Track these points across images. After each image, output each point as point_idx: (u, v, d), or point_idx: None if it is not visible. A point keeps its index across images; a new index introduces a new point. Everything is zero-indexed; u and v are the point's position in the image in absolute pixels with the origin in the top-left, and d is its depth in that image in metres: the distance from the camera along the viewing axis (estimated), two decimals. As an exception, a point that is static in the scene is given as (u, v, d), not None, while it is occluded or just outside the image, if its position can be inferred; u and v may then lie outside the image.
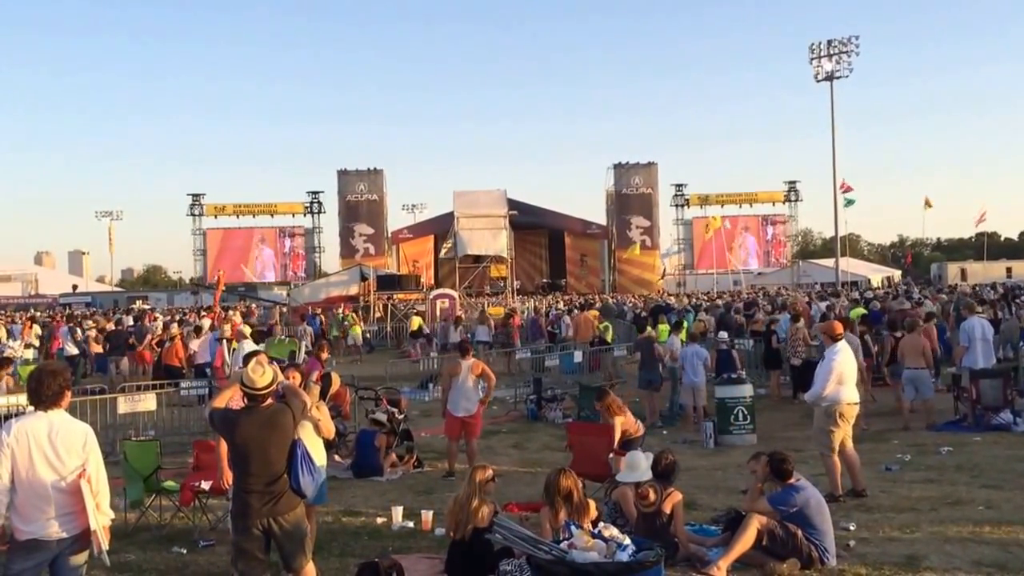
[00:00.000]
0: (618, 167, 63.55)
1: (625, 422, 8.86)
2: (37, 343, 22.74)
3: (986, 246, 71.21)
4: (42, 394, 4.41)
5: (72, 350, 20.39)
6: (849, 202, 51.29)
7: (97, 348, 20.35)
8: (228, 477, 5.92)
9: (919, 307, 19.42)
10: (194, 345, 17.72)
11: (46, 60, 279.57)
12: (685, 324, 16.27)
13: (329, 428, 6.19)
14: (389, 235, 63.63)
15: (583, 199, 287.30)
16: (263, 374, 5.07)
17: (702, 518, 7.47)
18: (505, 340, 23.17)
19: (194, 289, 58.45)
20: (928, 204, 66.36)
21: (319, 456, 6.20)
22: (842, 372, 8.22)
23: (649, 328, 17.36)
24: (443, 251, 52.36)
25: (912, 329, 12.59)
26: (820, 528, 6.27)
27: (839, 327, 8.84)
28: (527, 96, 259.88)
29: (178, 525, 7.83)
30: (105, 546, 4.42)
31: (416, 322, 27.20)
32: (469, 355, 10.42)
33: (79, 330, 22.26)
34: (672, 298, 39.73)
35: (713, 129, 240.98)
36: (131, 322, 24.16)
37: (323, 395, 7.90)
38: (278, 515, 4.92)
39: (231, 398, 5.61)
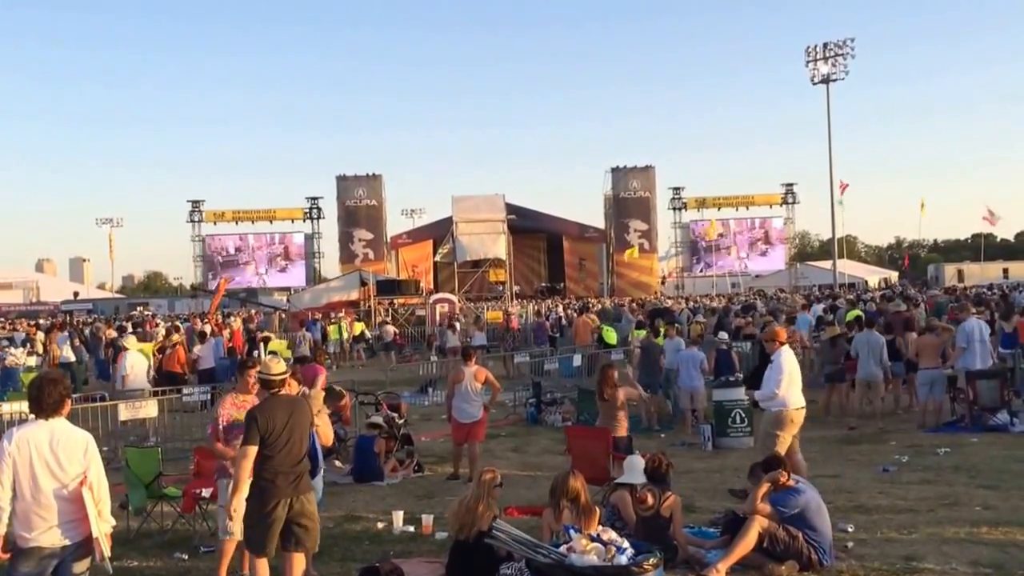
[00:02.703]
0: (616, 170, 63.50)
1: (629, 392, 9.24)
2: (41, 350, 22.74)
3: (983, 247, 71.43)
4: (43, 402, 4.44)
5: (70, 356, 20.37)
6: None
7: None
8: (229, 453, 5.95)
9: (916, 309, 19.49)
10: (197, 350, 18.02)
11: (45, 68, 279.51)
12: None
13: (328, 436, 6.35)
14: (388, 240, 63.54)
15: (581, 203, 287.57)
16: (278, 363, 5.70)
17: (701, 520, 7.49)
18: (509, 344, 23.57)
19: (194, 294, 58.42)
20: (922, 205, 66.69)
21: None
22: (791, 374, 8.09)
23: (646, 331, 17.36)
24: (439, 255, 52.35)
25: (931, 330, 12.75)
26: (820, 530, 6.30)
27: (783, 333, 8.77)
28: (525, 101, 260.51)
29: (180, 531, 7.85)
30: (107, 553, 4.46)
31: (359, 327, 28.78)
32: (472, 361, 10.35)
33: (78, 337, 22.28)
34: (670, 301, 39.74)
35: (710, 132, 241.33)
36: (131, 329, 24.14)
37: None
38: (301, 493, 5.31)
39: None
